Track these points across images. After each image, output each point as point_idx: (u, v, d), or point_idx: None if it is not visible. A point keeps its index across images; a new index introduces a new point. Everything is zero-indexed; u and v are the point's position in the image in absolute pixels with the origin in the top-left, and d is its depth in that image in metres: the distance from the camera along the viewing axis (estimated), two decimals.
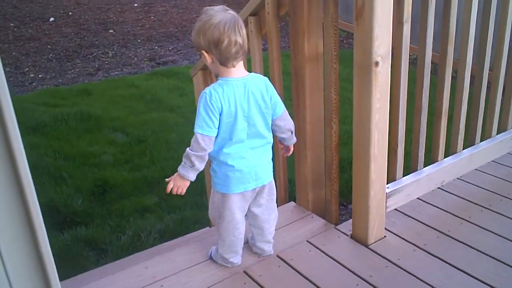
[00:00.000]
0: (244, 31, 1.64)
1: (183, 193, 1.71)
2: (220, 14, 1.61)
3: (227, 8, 1.65)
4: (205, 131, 1.63)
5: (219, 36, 1.58)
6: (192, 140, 1.65)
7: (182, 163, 1.68)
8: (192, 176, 1.68)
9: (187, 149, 1.66)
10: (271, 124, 1.80)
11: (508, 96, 2.73)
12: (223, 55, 1.62)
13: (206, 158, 1.68)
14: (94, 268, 2.76)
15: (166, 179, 1.72)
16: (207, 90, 1.64)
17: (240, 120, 1.66)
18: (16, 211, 0.78)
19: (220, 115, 1.63)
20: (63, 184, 3.72)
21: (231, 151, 1.70)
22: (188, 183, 1.70)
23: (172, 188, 1.70)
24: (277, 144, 1.99)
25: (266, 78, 1.78)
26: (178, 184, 1.69)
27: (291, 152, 1.98)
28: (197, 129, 1.63)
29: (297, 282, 1.83)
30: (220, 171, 1.74)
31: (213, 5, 1.69)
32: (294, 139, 1.93)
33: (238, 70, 1.67)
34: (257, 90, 1.69)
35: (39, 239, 0.81)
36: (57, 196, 3.51)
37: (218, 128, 1.65)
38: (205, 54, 1.64)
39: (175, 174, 1.70)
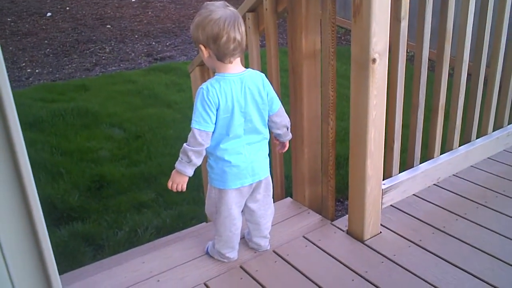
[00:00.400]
0: (243, 29, 1.64)
1: (183, 189, 1.72)
2: (221, 10, 1.62)
3: (228, 4, 1.66)
4: (202, 126, 1.63)
5: (218, 32, 1.59)
6: (189, 135, 1.65)
7: (179, 158, 1.68)
8: (190, 172, 1.69)
9: (184, 144, 1.66)
10: (267, 120, 1.81)
11: (504, 93, 2.75)
12: (221, 51, 1.62)
13: (203, 153, 1.68)
14: (91, 263, 2.76)
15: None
16: (204, 85, 1.65)
17: (237, 115, 1.67)
18: (17, 206, 0.79)
19: (217, 110, 1.64)
20: (60, 180, 3.71)
21: (228, 146, 1.70)
22: (186, 179, 1.70)
23: (172, 185, 1.71)
24: (273, 140, 2.00)
25: (263, 74, 1.78)
26: (177, 180, 1.70)
27: (286, 148, 1.99)
28: (194, 124, 1.64)
29: (293, 277, 1.84)
30: (217, 167, 1.74)
31: (213, 1, 1.70)
32: (290, 136, 1.94)
33: (235, 66, 1.68)
34: (254, 86, 1.70)
35: (39, 234, 0.82)
36: (54, 192, 3.51)
37: (215, 124, 1.66)
38: (203, 48, 1.65)
39: (173, 171, 1.71)
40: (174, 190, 1.72)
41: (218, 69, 1.68)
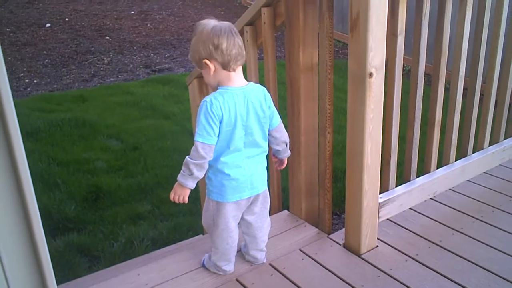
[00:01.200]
0: (239, 36, 1.66)
1: (185, 201, 1.71)
2: (213, 22, 1.65)
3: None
4: (205, 140, 1.63)
5: (219, 39, 1.61)
6: (192, 148, 1.65)
7: (182, 171, 1.68)
8: (192, 184, 1.68)
9: (187, 157, 1.66)
10: (268, 135, 1.81)
11: (500, 108, 2.77)
12: (226, 58, 1.62)
13: (206, 166, 1.68)
14: (86, 274, 2.75)
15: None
16: (207, 98, 1.65)
17: (239, 128, 1.67)
18: (17, 217, 0.79)
19: (220, 123, 1.64)
20: (56, 190, 3.71)
21: (228, 160, 1.70)
22: (188, 191, 1.70)
23: (174, 197, 1.71)
24: (271, 157, 2.00)
25: (264, 88, 1.79)
26: (179, 192, 1.70)
27: (285, 165, 1.99)
28: (197, 138, 1.63)
29: None
30: (216, 180, 1.74)
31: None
32: (289, 153, 1.94)
33: (238, 77, 1.69)
34: (256, 100, 1.71)
35: (39, 245, 0.81)
36: (50, 202, 3.50)
37: (217, 137, 1.66)
38: (207, 62, 1.64)
39: (175, 184, 1.70)
40: (176, 202, 1.72)
41: (222, 81, 1.68)
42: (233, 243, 1.86)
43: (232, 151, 1.70)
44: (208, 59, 1.64)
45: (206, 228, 1.91)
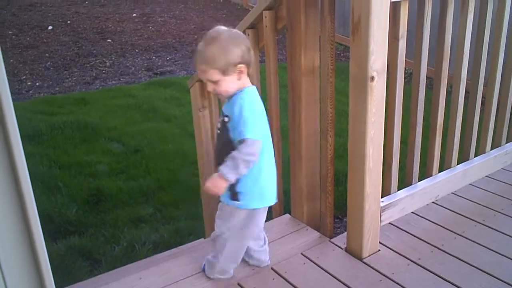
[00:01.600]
0: None
1: (220, 194, 1.70)
2: (223, 27, 1.66)
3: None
4: (255, 136, 1.61)
5: (247, 42, 1.65)
6: (241, 145, 1.60)
7: (226, 164, 1.62)
8: (233, 179, 1.64)
9: (236, 153, 1.61)
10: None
11: (502, 112, 2.76)
12: (251, 59, 1.66)
13: (251, 165, 1.64)
14: (87, 278, 2.74)
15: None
16: (246, 97, 1.64)
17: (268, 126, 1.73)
18: (16, 220, 0.79)
19: (262, 119, 1.68)
20: (57, 193, 3.70)
21: (266, 160, 1.73)
22: (226, 185, 1.66)
23: (211, 187, 1.66)
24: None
25: None
26: (219, 184, 1.65)
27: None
28: (248, 135, 1.59)
29: None
30: (253, 185, 1.72)
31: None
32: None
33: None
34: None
35: (38, 248, 0.81)
36: (51, 205, 3.50)
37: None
38: (243, 67, 1.63)
39: (215, 174, 1.65)
40: (211, 193, 1.69)
41: (243, 84, 1.67)
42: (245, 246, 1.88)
43: (267, 150, 1.72)
44: (243, 63, 1.62)
45: (224, 235, 1.82)
